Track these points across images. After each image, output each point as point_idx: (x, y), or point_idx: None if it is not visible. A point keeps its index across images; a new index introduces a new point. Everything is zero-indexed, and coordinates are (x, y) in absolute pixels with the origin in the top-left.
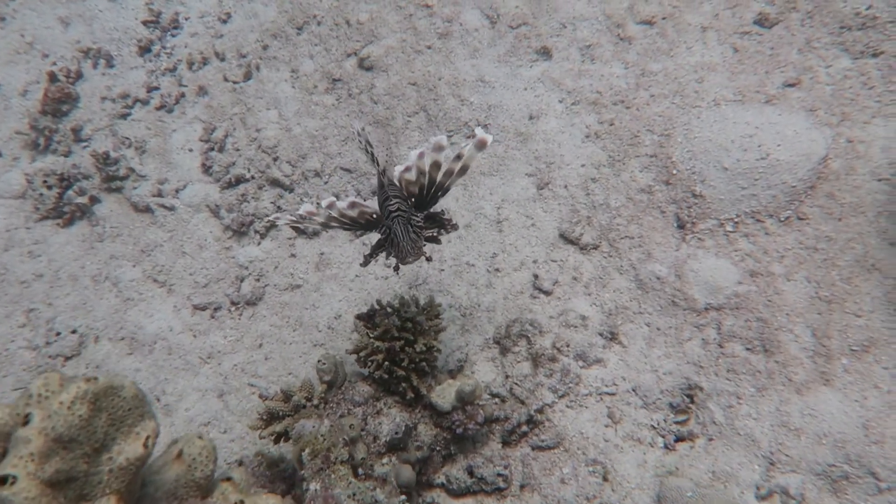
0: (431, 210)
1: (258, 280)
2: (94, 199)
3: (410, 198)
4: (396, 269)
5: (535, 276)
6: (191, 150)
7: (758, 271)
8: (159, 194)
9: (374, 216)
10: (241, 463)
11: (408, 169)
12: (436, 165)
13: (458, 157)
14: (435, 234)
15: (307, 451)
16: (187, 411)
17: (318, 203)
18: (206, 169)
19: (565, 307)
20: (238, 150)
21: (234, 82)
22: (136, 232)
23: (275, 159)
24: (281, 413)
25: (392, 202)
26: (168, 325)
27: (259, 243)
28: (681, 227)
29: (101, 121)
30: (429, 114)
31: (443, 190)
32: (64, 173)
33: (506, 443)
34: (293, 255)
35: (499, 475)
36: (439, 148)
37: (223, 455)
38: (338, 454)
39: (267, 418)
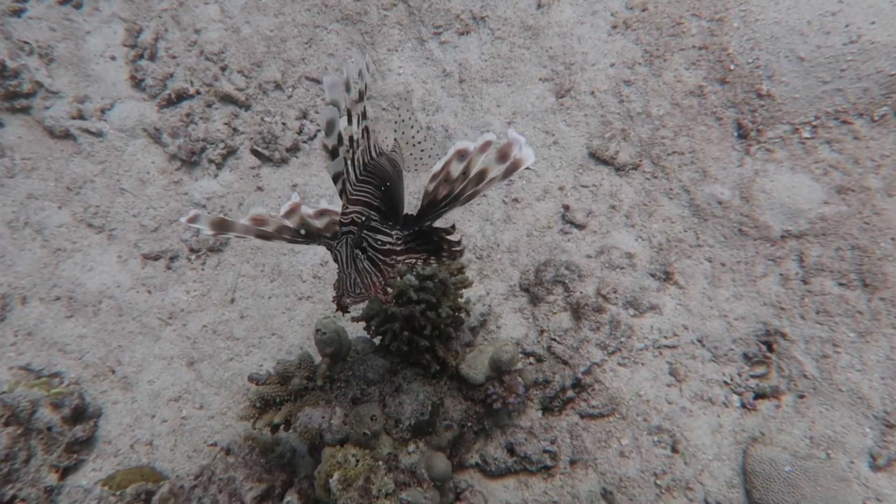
0: (429, 225)
1: None
2: None
3: (427, 201)
4: (339, 307)
5: (565, 207)
6: (113, 59)
7: (848, 186)
8: (80, 116)
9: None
10: (228, 451)
11: (464, 155)
12: (481, 175)
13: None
14: (420, 260)
15: (336, 476)
16: (151, 384)
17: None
18: (137, 83)
19: (605, 243)
20: (175, 57)
21: None
22: (56, 164)
23: (223, 69)
24: (278, 399)
25: (348, 210)
26: (114, 279)
27: (216, 175)
28: (743, 136)
29: None
30: (409, 6)
31: (451, 205)
32: None
33: (547, 410)
34: (260, 189)
35: (545, 451)
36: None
37: (202, 435)
38: (380, 485)
39: (261, 406)
